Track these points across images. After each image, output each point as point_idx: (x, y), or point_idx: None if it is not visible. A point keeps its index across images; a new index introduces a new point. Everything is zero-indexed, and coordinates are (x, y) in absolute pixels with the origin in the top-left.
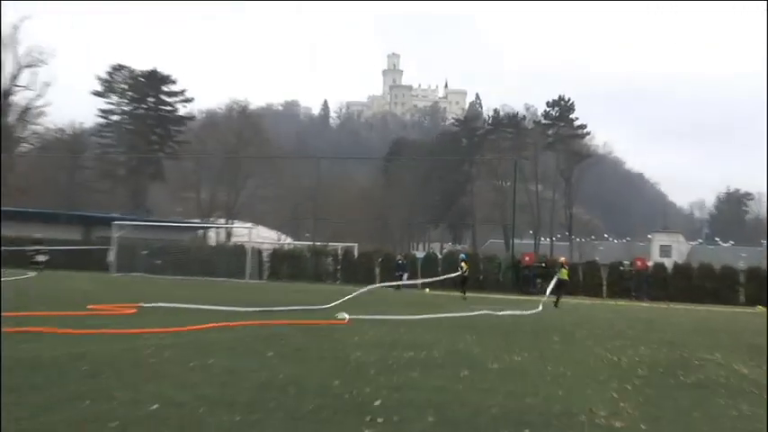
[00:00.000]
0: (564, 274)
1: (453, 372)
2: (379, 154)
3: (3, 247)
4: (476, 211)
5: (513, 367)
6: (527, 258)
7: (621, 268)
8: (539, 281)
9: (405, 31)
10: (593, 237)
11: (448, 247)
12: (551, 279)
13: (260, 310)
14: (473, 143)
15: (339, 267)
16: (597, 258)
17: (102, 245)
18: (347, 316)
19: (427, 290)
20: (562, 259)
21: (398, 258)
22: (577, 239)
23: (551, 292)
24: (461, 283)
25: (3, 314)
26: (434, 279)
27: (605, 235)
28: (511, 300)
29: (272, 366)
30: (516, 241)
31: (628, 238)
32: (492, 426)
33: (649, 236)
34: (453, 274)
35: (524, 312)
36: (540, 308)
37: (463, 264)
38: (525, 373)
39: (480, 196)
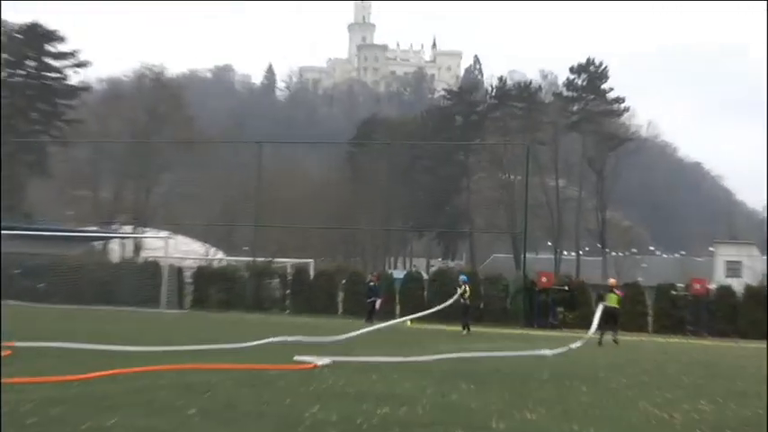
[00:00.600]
0: (613, 300)
1: None
2: (344, 137)
3: None
4: (474, 214)
5: (526, 428)
6: (544, 279)
7: (673, 293)
8: (560, 309)
9: None
10: (634, 250)
11: (437, 263)
12: (576, 307)
13: (182, 351)
14: (470, 123)
15: (288, 292)
16: (640, 279)
17: None
18: (318, 361)
19: (409, 322)
20: (611, 281)
21: (369, 279)
22: (613, 253)
23: (598, 327)
24: (463, 314)
25: None
26: (433, 310)
27: (651, 247)
28: (523, 335)
29: (193, 427)
30: (529, 256)
31: (682, 252)
32: None
33: (711, 248)
34: (450, 301)
35: (544, 352)
36: (573, 346)
37: (464, 287)
38: None
39: (481, 195)
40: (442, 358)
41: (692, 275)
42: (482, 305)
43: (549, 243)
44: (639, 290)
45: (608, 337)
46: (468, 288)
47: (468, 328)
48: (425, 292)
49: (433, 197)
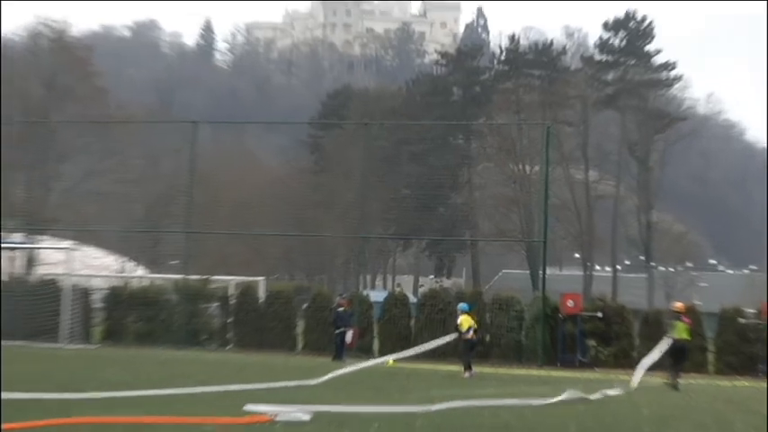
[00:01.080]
0: (681, 331)
1: None
2: (306, 116)
3: None
4: (478, 217)
5: None
6: (571, 303)
7: (741, 321)
8: (592, 343)
9: None
10: (689, 264)
11: (428, 282)
12: (613, 340)
13: (91, 399)
14: (473, 97)
15: (231, 321)
16: (698, 302)
17: None
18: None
19: (390, 360)
20: (677, 305)
21: (337, 303)
22: (661, 268)
23: (671, 366)
24: (464, 352)
25: None
26: (423, 348)
27: (712, 261)
28: (542, 378)
29: None
30: (551, 272)
31: (752, 267)
32: None
33: None
34: (447, 338)
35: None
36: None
37: (464, 320)
38: None
39: (486, 192)
40: (434, 409)
41: (765, 298)
42: (488, 338)
43: (577, 255)
44: (696, 317)
45: (657, 379)
46: (469, 320)
47: (471, 369)
48: (412, 321)
49: (423, 194)
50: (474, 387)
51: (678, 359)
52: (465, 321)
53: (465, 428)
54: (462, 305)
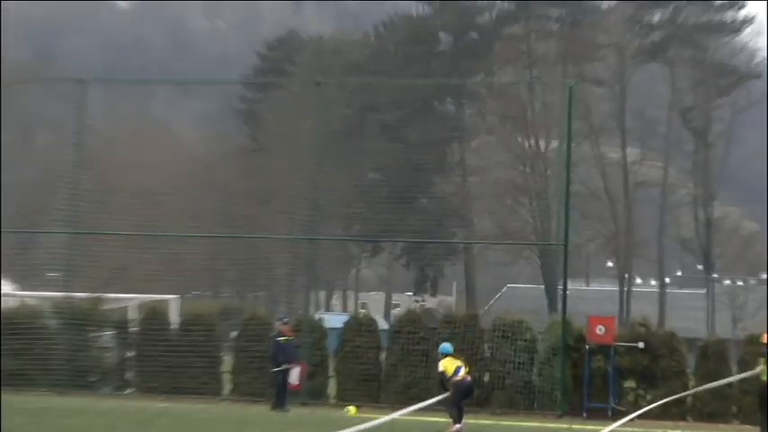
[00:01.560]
0: None
1: None
2: (236, 73)
3: None
4: (474, 213)
5: None
6: (601, 329)
7: None
8: (630, 385)
9: None
10: (764, 276)
11: (405, 301)
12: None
13: None
14: (466, 46)
15: (132, 355)
16: None
17: None
18: None
19: (352, 409)
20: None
21: (278, 332)
22: (727, 281)
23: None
24: (453, 398)
25: None
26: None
27: None
28: None
29: None
30: (574, 287)
31: None
32: None
33: None
34: (436, 399)
35: None
36: None
37: (446, 364)
38: None
39: (485, 176)
40: None
41: None
42: (487, 378)
43: (611, 264)
44: None
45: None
46: (454, 363)
47: (460, 421)
48: (383, 355)
49: (398, 181)
50: None
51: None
52: (448, 365)
53: None
54: (444, 346)
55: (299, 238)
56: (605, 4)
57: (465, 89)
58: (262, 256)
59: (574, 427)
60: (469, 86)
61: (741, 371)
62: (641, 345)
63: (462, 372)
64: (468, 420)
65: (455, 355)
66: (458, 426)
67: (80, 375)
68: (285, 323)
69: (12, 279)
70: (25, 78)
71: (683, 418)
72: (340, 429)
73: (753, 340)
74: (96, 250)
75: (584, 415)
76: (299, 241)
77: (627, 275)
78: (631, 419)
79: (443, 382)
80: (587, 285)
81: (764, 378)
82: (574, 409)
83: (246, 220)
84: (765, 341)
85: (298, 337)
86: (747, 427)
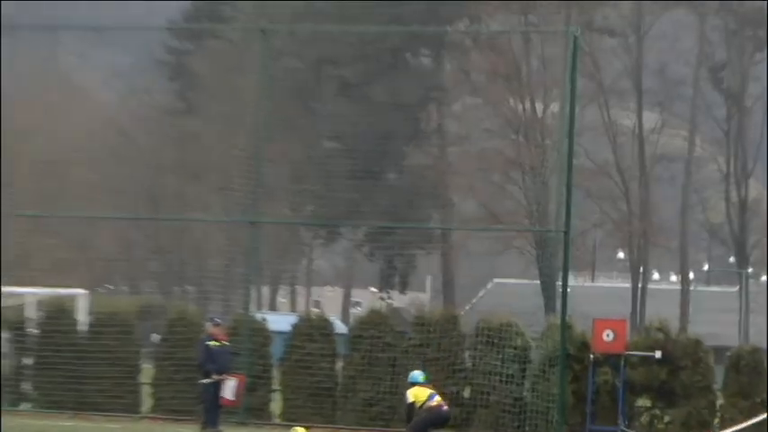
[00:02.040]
0: None
1: None
2: (160, 19)
3: None
4: (452, 191)
5: None
6: (609, 335)
7: None
8: (645, 403)
9: None
10: None
11: (368, 298)
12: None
13: None
14: None
15: (30, 363)
16: None
17: None
18: None
19: (299, 431)
20: None
21: (209, 333)
22: (764, 278)
23: None
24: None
25: None
26: None
27: None
28: None
29: None
30: (577, 284)
31: None
32: None
33: None
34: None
35: None
36: None
37: (415, 395)
38: None
39: (467, 147)
40: None
41: None
42: (467, 393)
43: (622, 255)
44: None
45: None
46: (424, 393)
47: None
48: (339, 364)
49: (360, 152)
50: None
51: None
52: (419, 393)
53: None
54: (414, 375)
55: (237, 220)
56: None
57: (445, 39)
58: (191, 242)
59: None
60: (450, 36)
61: None
62: (658, 354)
63: (437, 399)
64: None
65: (426, 384)
66: None
67: None
68: (218, 324)
69: None
70: None
71: None
72: None
73: None
74: None
75: None
76: (237, 224)
77: (642, 269)
78: None
79: (411, 414)
80: (593, 281)
81: None
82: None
83: (173, 199)
84: None
85: (234, 343)
86: None
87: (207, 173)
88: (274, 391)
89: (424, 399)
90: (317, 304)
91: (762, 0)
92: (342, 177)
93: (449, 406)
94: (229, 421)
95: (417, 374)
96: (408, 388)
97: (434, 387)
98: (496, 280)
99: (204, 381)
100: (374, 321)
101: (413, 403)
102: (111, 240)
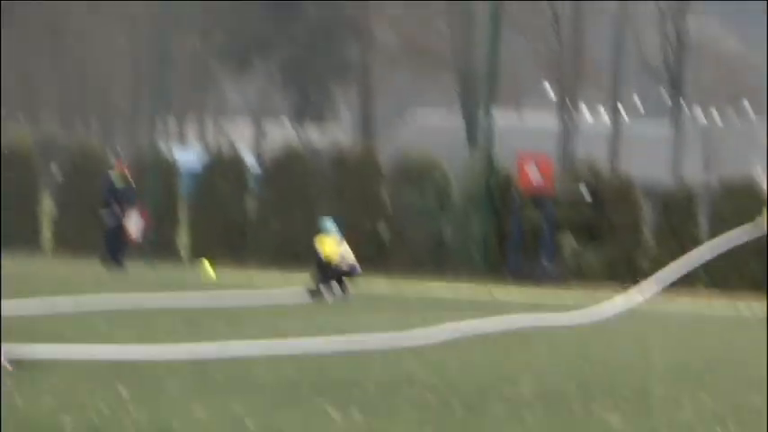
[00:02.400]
0: None
1: None
2: None
3: None
4: (373, 22)
5: None
6: (533, 171)
7: None
8: (570, 242)
9: None
10: (747, 106)
11: (281, 131)
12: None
13: None
14: None
15: None
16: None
17: None
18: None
19: (206, 265)
20: None
21: (113, 167)
22: (699, 113)
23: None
24: (323, 274)
25: None
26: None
27: None
28: (478, 299)
29: None
30: (502, 117)
31: None
32: None
33: None
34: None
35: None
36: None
37: (325, 244)
38: None
39: None
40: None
41: None
42: (386, 232)
43: (548, 85)
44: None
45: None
46: (333, 246)
47: (329, 287)
48: (251, 202)
49: None
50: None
51: None
52: (330, 250)
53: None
54: (326, 224)
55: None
56: None
57: None
58: (93, 71)
59: (494, 290)
60: None
61: (712, 228)
62: (586, 192)
63: (348, 259)
64: (360, 286)
65: (338, 235)
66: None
67: None
68: (119, 159)
69: None
70: None
71: (634, 280)
72: (193, 291)
73: (730, 190)
74: None
75: (508, 276)
76: (139, 51)
77: (569, 103)
78: (567, 282)
79: (321, 268)
80: (518, 116)
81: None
82: (493, 270)
83: (72, 25)
84: None
85: (140, 178)
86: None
87: (111, 3)
88: (180, 226)
89: (336, 257)
90: (228, 138)
91: None
92: (253, 8)
93: (358, 261)
94: (133, 258)
95: (329, 224)
96: (318, 236)
97: (349, 228)
98: (419, 111)
99: (106, 216)
100: (290, 157)
101: (324, 259)
102: (5, 67)
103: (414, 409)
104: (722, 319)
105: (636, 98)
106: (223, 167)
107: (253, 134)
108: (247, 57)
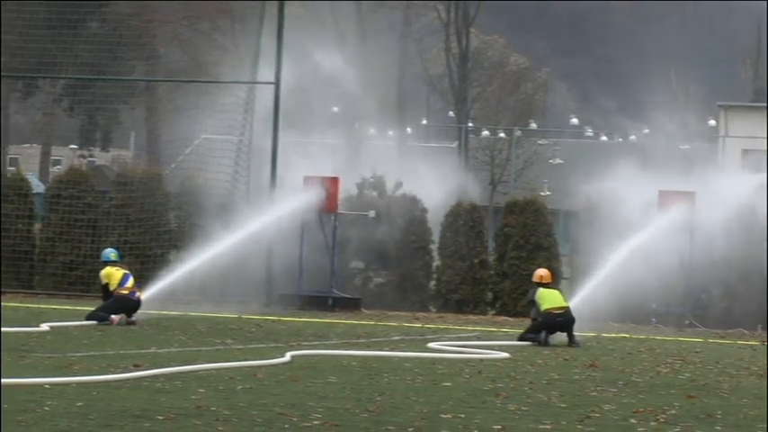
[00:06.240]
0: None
1: None
2: None
3: None
4: (157, 40)
5: None
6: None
7: None
8: (359, 266)
9: None
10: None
11: (69, 156)
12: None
13: None
14: None
15: None
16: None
17: None
18: None
19: None
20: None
21: None
22: (486, 132)
23: None
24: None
25: None
26: None
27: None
28: None
29: None
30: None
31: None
32: None
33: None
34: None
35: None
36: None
37: (109, 273)
38: None
39: None
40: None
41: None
42: (173, 256)
43: (336, 109)
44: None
45: None
46: (114, 275)
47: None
48: (36, 226)
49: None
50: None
51: None
52: (113, 275)
53: None
54: (106, 252)
55: None
56: None
57: None
58: None
59: (283, 319)
60: None
61: (499, 244)
62: (372, 213)
63: (130, 282)
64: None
65: (120, 263)
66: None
67: None
68: None
69: None
70: None
71: (425, 309)
72: None
73: (514, 207)
74: None
75: (297, 305)
76: None
77: (356, 125)
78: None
79: (106, 294)
80: (304, 137)
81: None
82: (285, 298)
83: None
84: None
85: None
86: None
87: None
88: None
89: (118, 280)
90: (15, 163)
91: None
92: (37, 27)
93: (140, 292)
94: None
95: (109, 252)
96: (102, 267)
97: (134, 254)
98: (205, 136)
99: None
100: (73, 180)
101: (107, 284)
102: None
103: None
104: None
105: (422, 117)
106: (8, 192)
107: (39, 158)
108: (30, 78)
